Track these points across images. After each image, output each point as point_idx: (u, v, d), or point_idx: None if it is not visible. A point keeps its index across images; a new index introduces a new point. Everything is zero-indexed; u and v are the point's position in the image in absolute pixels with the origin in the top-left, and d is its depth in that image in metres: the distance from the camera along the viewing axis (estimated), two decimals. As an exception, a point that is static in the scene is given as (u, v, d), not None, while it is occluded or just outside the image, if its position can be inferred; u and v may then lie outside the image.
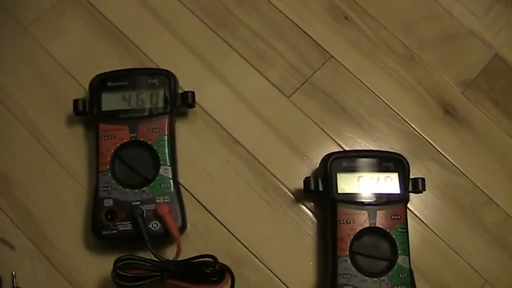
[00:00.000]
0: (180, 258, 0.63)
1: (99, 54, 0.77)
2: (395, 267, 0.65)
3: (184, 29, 0.79)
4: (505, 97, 0.79)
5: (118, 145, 0.67)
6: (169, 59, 0.77)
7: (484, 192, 0.74)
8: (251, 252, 0.69)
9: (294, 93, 0.77)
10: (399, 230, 0.66)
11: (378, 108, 0.77)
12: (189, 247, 0.68)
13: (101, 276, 0.67)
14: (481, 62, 0.81)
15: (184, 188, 0.71)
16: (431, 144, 0.76)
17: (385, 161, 0.68)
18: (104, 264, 0.66)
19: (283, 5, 0.81)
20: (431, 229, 0.72)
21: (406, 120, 0.77)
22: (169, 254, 0.67)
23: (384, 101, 0.78)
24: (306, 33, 0.80)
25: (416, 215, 0.73)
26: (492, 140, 0.77)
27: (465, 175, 0.75)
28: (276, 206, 0.72)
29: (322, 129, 0.76)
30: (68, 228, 0.69)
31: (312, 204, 0.72)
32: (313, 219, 0.72)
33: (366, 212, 0.66)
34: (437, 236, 0.72)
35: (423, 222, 0.73)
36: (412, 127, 0.77)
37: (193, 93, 0.72)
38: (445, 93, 0.79)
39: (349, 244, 0.65)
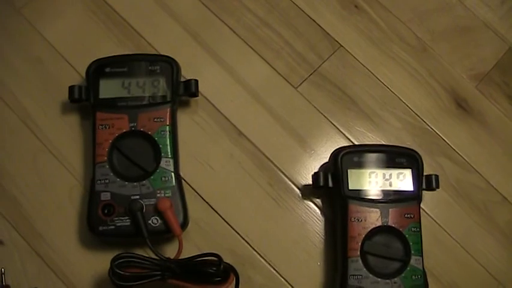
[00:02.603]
0: (181, 257, 0.60)
1: (97, 38, 0.75)
2: (408, 269, 0.63)
3: (187, 14, 0.77)
4: (519, 92, 0.79)
5: (116, 135, 0.65)
6: (171, 46, 0.74)
7: (497, 190, 0.73)
8: (255, 251, 0.67)
9: (301, 83, 0.75)
10: (412, 230, 0.64)
11: (389, 101, 0.76)
12: (190, 245, 0.66)
13: (97, 275, 0.64)
14: (495, 56, 0.80)
15: (186, 182, 0.68)
16: (443, 140, 0.75)
17: (398, 157, 0.67)
18: (100, 262, 0.64)
19: (291, -9, 0.79)
20: (442, 228, 0.71)
21: (418, 114, 0.76)
22: (170, 252, 0.64)
23: (394, 94, 0.76)
24: (315, 22, 0.78)
25: (427, 213, 0.71)
26: (506, 136, 0.76)
27: (478, 172, 0.74)
28: (282, 202, 0.69)
29: (330, 122, 0.73)
30: (62, 223, 0.67)
31: (320, 200, 0.70)
32: (321, 216, 0.69)
33: (378, 210, 0.64)
34: (449, 235, 0.71)
35: (434, 220, 0.71)
36: (423, 121, 0.75)
37: (196, 81, 0.69)
38: (458, 86, 0.77)
39: (360, 243, 0.63)
